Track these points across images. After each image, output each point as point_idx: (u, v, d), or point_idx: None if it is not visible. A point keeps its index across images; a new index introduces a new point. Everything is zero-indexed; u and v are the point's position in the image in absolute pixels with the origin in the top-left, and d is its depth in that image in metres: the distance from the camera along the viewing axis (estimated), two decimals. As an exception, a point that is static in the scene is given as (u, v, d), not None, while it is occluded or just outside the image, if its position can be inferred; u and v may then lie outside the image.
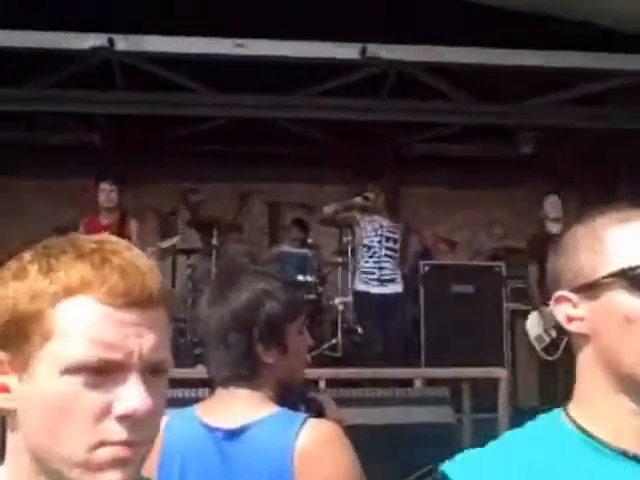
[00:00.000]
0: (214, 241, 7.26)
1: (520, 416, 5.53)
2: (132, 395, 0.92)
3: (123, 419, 0.92)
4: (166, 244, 6.78)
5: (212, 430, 1.83)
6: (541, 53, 6.54)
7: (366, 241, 6.81)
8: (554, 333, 6.54)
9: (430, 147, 8.65)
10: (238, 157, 8.51)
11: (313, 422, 1.78)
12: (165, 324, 0.98)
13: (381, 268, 6.73)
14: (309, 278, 6.85)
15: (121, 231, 6.41)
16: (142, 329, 0.94)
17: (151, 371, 0.95)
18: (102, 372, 0.93)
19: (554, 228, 6.87)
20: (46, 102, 6.99)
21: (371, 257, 6.76)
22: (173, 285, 7.70)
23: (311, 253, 7.22)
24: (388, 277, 6.76)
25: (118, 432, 0.92)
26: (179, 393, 4.56)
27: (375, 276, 6.72)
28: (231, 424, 1.82)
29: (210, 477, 1.82)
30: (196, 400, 4.45)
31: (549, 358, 6.57)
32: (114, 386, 0.93)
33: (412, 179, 8.64)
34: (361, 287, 6.75)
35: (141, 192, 8.39)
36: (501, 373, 5.04)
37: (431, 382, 5.10)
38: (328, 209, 6.81)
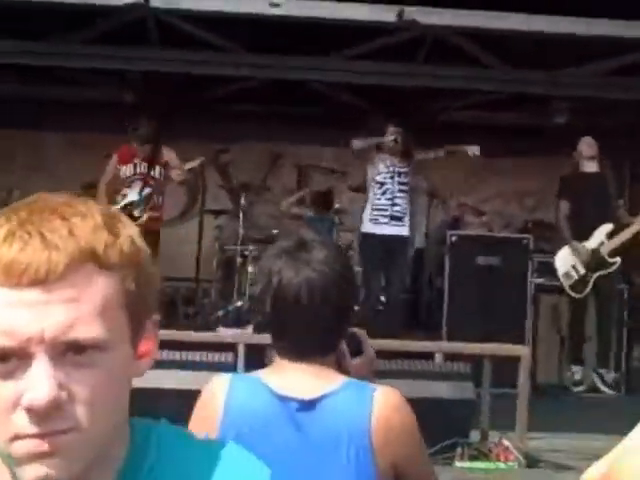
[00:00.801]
0: (242, 202, 7.24)
1: (539, 394, 5.54)
2: (34, 385, 0.84)
3: (29, 411, 0.84)
4: (190, 165, 6.80)
5: (285, 400, 1.81)
6: (580, 20, 6.40)
7: (378, 178, 6.78)
8: (582, 270, 6.46)
9: (464, 114, 8.53)
10: (270, 118, 8.49)
11: (382, 389, 1.82)
12: (95, 294, 0.87)
13: (394, 204, 6.72)
14: (333, 245, 6.82)
15: (153, 159, 6.59)
16: (47, 308, 0.84)
17: (74, 350, 0.85)
18: (7, 360, 0.84)
19: (588, 167, 6.80)
20: (81, 58, 7.00)
21: (383, 194, 6.74)
22: (199, 245, 7.74)
23: (337, 218, 7.19)
24: (399, 214, 6.74)
25: (27, 426, 0.84)
26: (203, 357, 4.60)
27: (387, 213, 6.70)
28: (306, 394, 1.80)
29: (284, 448, 1.78)
30: (218, 365, 4.53)
31: (576, 295, 6.50)
32: (23, 374, 0.85)
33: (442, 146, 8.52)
34: (370, 228, 6.70)
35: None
36: (523, 351, 5.02)
37: (452, 357, 5.07)
38: (357, 143, 6.77)
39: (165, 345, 4.67)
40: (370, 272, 6.76)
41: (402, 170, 6.81)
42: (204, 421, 1.83)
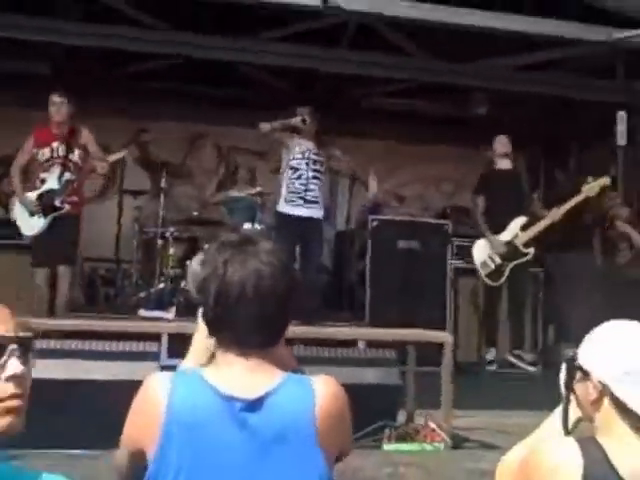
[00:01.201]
0: (163, 183, 7.14)
1: (460, 372, 5.66)
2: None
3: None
4: (114, 157, 6.59)
5: (229, 400, 1.79)
6: (502, 16, 6.57)
7: (293, 163, 6.72)
8: (498, 260, 6.81)
9: (386, 101, 8.62)
10: (192, 98, 8.36)
11: (320, 379, 1.85)
12: None
13: (307, 190, 6.68)
14: (257, 226, 6.82)
15: (71, 141, 6.32)
16: None
17: None
18: None
19: (502, 164, 7.11)
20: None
21: (298, 178, 6.68)
22: (119, 225, 7.59)
23: (260, 200, 7.17)
24: (313, 199, 6.70)
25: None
26: (127, 347, 4.49)
27: (301, 195, 6.67)
28: (249, 393, 1.80)
29: (228, 448, 1.78)
30: (141, 355, 4.44)
31: (493, 284, 6.86)
32: None
33: (366, 132, 8.60)
34: (285, 209, 6.68)
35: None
36: (446, 338, 5.14)
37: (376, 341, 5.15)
38: (264, 126, 6.67)
39: (87, 335, 4.58)
40: (286, 251, 6.75)
41: (317, 158, 6.78)
42: (145, 421, 1.81)
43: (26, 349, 1.42)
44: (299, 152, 6.72)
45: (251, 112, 7.94)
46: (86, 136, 6.41)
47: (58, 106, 6.29)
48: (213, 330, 1.89)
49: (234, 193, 7.59)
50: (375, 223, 7.27)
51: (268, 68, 7.84)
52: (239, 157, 8.48)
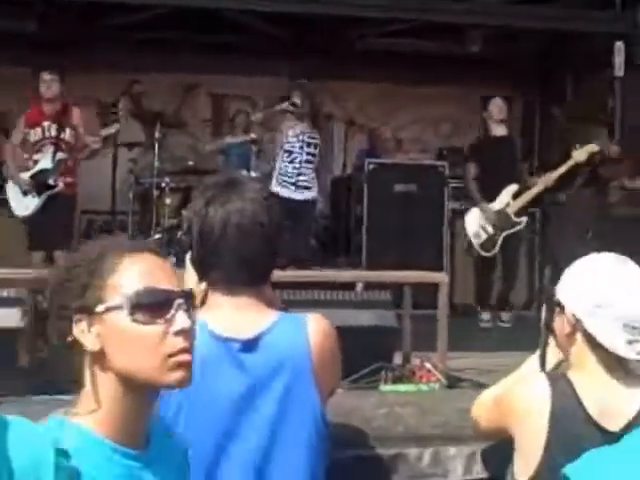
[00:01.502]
0: (157, 134, 7.08)
1: (457, 314, 5.70)
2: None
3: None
4: (106, 132, 6.60)
5: (226, 341, 1.83)
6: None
7: (287, 146, 6.65)
8: (491, 229, 6.70)
9: (378, 42, 8.47)
10: (182, 47, 8.23)
11: (312, 317, 1.91)
12: None
13: (299, 174, 6.63)
14: (253, 174, 6.78)
15: (62, 120, 6.27)
16: None
17: None
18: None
19: (497, 130, 6.94)
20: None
21: (291, 162, 6.64)
22: (114, 178, 7.56)
23: (255, 148, 7.12)
24: (305, 184, 6.67)
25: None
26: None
27: (292, 180, 6.62)
28: (245, 333, 1.84)
29: (229, 388, 1.82)
30: None
31: (486, 254, 6.74)
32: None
33: (360, 74, 8.49)
34: (276, 189, 6.57)
35: (81, 82, 8.09)
36: (442, 278, 5.12)
37: (372, 285, 5.16)
38: (256, 116, 6.76)
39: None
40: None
41: (311, 141, 6.71)
42: None
43: (191, 303, 1.42)
44: (293, 135, 6.65)
45: (245, 59, 7.89)
46: (77, 117, 6.37)
47: (48, 83, 6.22)
48: (201, 271, 1.91)
49: (229, 140, 7.55)
50: (371, 167, 7.22)
51: (259, 13, 7.71)
52: (234, 104, 8.41)
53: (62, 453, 1.19)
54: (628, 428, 1.81)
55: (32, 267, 5.89)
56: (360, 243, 7.15)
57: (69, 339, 1.37)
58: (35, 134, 6.26)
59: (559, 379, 1.93)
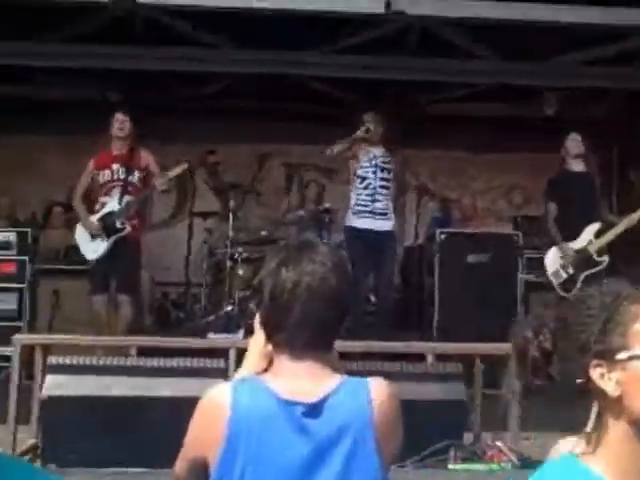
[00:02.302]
0: (231, 204, 7.17)
1: (530, 391, 5.49)
2: None
3: None
4: (174, 173, 6.50)
5: (290, 404, 1.84)
6: (568, 8, 6.34)
7: (360, 172, 6.54)
8: (571, 270, 6.51)
9: (453, 107, 8.47)
10: (256, 116, 8.39)
11: (373, 379, 1.91)
12: None
13: (374, 200, 6.50)
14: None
15: (131, 163, 6.32)
16: None
17: None
18: None
19: (575, 166, 6.77)
20: (64, 57, 6.91)
21: (365, 189, 6.52)
22: (189, 248, 7.66)
23: (328, 218, 7.12)
24: (381, 211, 6.53)
25: None
26: (193, 363, 4.59)
27: (369, 208, 6.49)
28: (309, 397, 1.84)
29: (291, 452, 1.82)
30: (209, 370, 4.53)
31: (566, 295, 6.48)
32: None
33: (433, 141, 8.48)
34: (353, 222, 6.51)
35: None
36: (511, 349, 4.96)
37: (443, 357, 5.05)
38: (330, 151, 6.50)
39: (158, 352, 4.69)
40: (358, 267, 6.37)
41: (385, 165, 6.56)
42: (209, 427, 1.86)
43: None
44: (366, 160, 6.54)
45: (317, 127, 7.96)
46: (146, 157, 6.42)
47: (121, 123, 6.32)
48: (268, 332, 1.94)
49: (302, 212, 7.57)
50: (443, 236, 7.12)
51: (332, 80, 7.80)
52: (307, 174, 8.49)
53: None
54: None
55: (93, 311, 6.08)
56: (431, 316, 7.02)
57: (580, 380, 1.43)
58: (104, 176, 6.31)
59: None
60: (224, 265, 6.93)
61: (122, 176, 6.30)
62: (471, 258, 7.03)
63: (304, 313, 1.85)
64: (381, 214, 6.52)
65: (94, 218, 6.26)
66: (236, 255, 6.86)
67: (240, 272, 6.79)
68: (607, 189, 7.40)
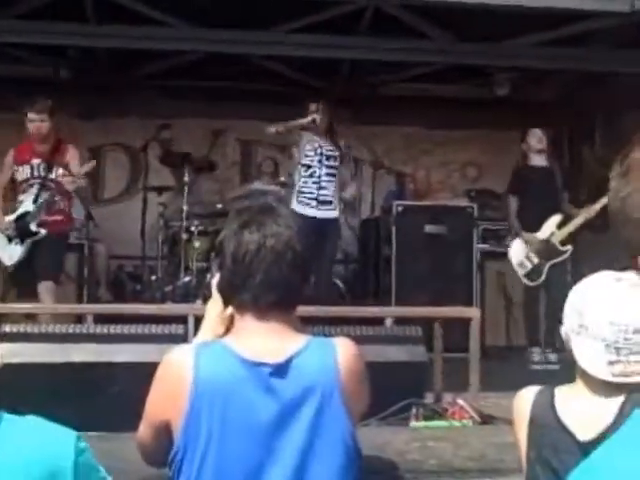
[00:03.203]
0: (186, 178, 7.13)
1: (488, 357, 5.60)
2: None
3: None
4: (85, 169, 5.96)
5: (256, 365, 1.84)
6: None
7: (305, 160, 6.47)
8: (536, 259, 6.63)
9: (406, 87, 8.54)
10: (210, 93, 8.34)
11: (340, 340, 1.96)
12: None
13: (320, 188, 6.43)
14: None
15: (53, 159, 5.87)
16: None
17: None
18: None
19: (537, 160, 6.92)
20: (15, 33, 6.78)
21: (310, 176, 6.44)
22: (143, 223, 7.60)
23: (284, 191, 7.12)
24: (327, 199, 6.46)
25: None
26: (151, 329, 4.57)
27: (314, 195, 6.41)
28: (274, 358, 1.84)
29: (258, 413, 1.82)
30: (167, 336, 4.51)
31: (532, 284, 6.67)
32: None
33: (388, 119, 8.55)
34: (298, 209, 6.31)
35: (111, 127, 8.25)
36: (473, 313, 5.05)
37: (402, 322, 5.09)
38: (270, 129, 6.47)
39: (115, 319, 4.64)
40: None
41: (330, 153, 6.53)
42: (171, 393, 1.85)
43: None
44: (311, 149, 6.49)
45: (271, 105, 7.96)
46: (72, 155, 5.96)
47: (37, 124, 5.83)
48: (230, 293, 1.93)
49: (258, 186, 7.57)
50: (400, 208, 7.20)
51: (284, 60, 7.82)
52: (261, 150, 8.50)
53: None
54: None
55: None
56: (389, 285, 7.08)
57: None
58: (23, 173, 5.85)
59: (544, 391, 1.99)
60: (179, 238, 6.90)
61: (42, 173, 5.85)
62: (428, 228, 7.12)
63: (268, 274, 1.86)
64: (326, 202, 6.46)
65: (9, 219, 5.82)
66: (192, 228, 6.83)
67: (196, 244, 6.77)
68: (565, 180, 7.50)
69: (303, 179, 6.47)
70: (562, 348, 6.27)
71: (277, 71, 8.23)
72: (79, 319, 5.33)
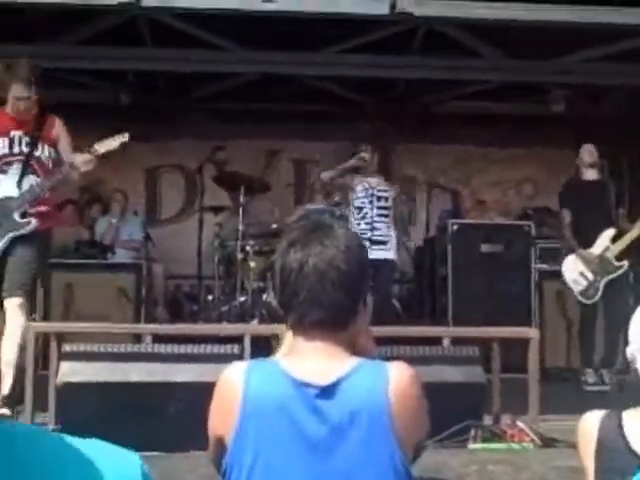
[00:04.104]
0: (241, 199, 7.18)
1: (548, 378, 5.47)
2: None
3: None
4: (107, 147, 4.75)
5: (302, 386, 1.82)
6: (575, 8, 6.37)
7: (357, 202, 6.57)
8: (591, 275, 6.45)
9: (460, 105, 8.51)
10: (265, 115, 8.44)
11: (395, 364, 1.87)
12: None
13: (373, 229, 6.48)
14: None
15: (38, 132, 4.67)
16: None
17: None
18: None
19: (589, 174, 6.80)
20: (75, 59, 6.93)
21: (363, 218, 6.51)
22: (199, 243, 7.68)
23: (339, 210, 7.13)
24: (380, 238, 6.48)
25: None
26: (207, 349, 4.59)
27: (367, 236, 6.36)
28: (322, 379, 1.81)
29: (303, 434, 1.80)
30: (224, 356, 4.54)
31: (588, 301, 6.48)
32: None
33: (442, 137, 8.52)
34: None
35: (167, 149, 8.36)
36: (532, 333, 4.97)
37: (459, 342, 5.03)
38: (326, 175, 6.59)
39: (173, 339, 4.69)
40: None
41: (382, 194, 6.58)
42: (223, 409, 1.85)
43: None
44: (362, 190, 6.56)
45: (326, 125, 7.99)
46: (58, 127, 4.74)
47: (25, 102, 4.59)
48: (282, 312, 1.92)
49: (309, 207, 7.59)
50: (455, 227, 7.15)
51: (338, 80, 7.84)
52: (315, 170, 8.53)
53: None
54: None
55: None
56: (446, 305, 7.03)
57: None
58: (2, 145, 4.63)
59: (612, 414, 1.96)
60: (235, 258, 6.92)
61: (25, 148, 4.63)
62: (485, 248, 7.03)
63: (311, 292, 1.84)
64: (379, 243, 6.47)
65: None
66: (247, 247, 6.86)
67: (252, 264, 6.77)
68: (621, 196, 7.35)
69: (356, 221, 6.53)
70: (623, 369, 6.13)
71: (329, 91, 8.27)
72: (137, 339, 5.38)
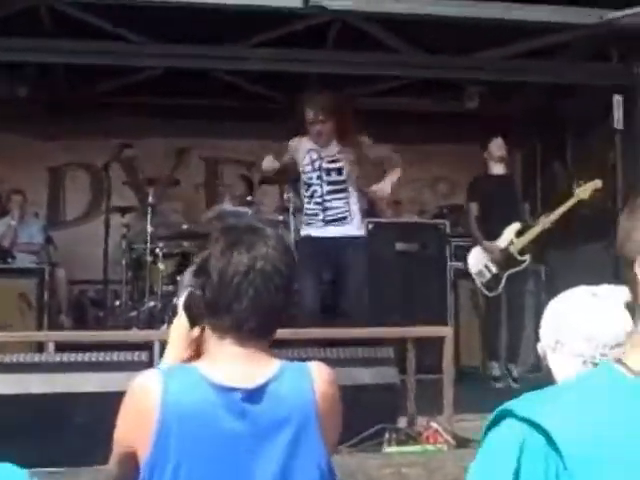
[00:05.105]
0: (150, 199, 6.94)
1: (463, 377, 5.52)
2: None
3: None
4: None
5: (228, 390, 1.76)
6: (490, 4, 6.40)
7: (304, 177, 5.54)
8: (494, 268, 6.54)
9: (374, 101, 8.45)
10: (173, 110, 8.21)
11: (315, 365, 1.90)
12: None
13: (325, 209, 5.50)
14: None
15: None
16: None
17: None
18: None
19: (496, 169, 6.87)
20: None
21: (312, 197, 5.53)
22: (106, 245, 7.40)
23: (253, 211, 6.97)
24: (334, 217, 5.51)
25: None
26: (115, 357, 4.42)
27: (319, 217, 5.51)
28: (249, 383, 1.79)
29: (229, 439, 1.75)
30: (132, 364, 4.36)
31: (490, 294, 6.57)
32: None
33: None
34: (305, 231, 5.60)
35: (72, 147, 8.05)
36: (446, 332, 4.94)
37: (374, 343, 4.97)
38: (267, 165, 5.60)
39: (77, 347, 4.51)
40: (305, 282, 5.51)
41: (332, 165, 5.52)
42: (137, 420, 1.76)
43: None
44: (308, 162, 5.54)
45: (238, 122, 7.83)
46: None
47: None
48: (210, 315, 1.85)
49: (227, 206, 7.41)
50: (371, 226, 7.08)
51: (249, 75, 7.69)
52: (227, 169, 8.36)
53: None
54: None
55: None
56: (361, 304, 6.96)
57: None
58: None
59: None
60: (144, 261, 6.69)
61: None
62: (400, 246, 7.02)
63: (255, 298, 1.80)
64: (335, 220, 5.52)
65: None
66: (157, 250, 6.63)
67: (161, 267, 6.56)
68: (532, 188, 7.45)
69: (306, 199, 5.61)
70: (535, 367, 6.19)
71: (240, 86, 8.09)
72: (40, 347, 5.17)
